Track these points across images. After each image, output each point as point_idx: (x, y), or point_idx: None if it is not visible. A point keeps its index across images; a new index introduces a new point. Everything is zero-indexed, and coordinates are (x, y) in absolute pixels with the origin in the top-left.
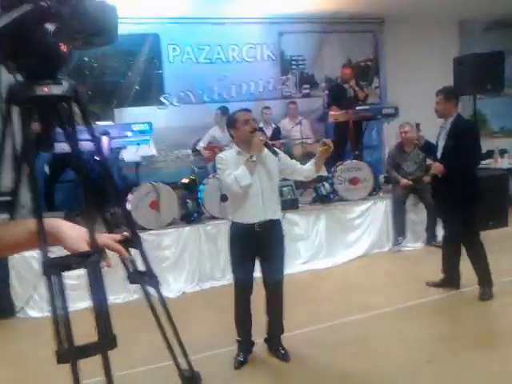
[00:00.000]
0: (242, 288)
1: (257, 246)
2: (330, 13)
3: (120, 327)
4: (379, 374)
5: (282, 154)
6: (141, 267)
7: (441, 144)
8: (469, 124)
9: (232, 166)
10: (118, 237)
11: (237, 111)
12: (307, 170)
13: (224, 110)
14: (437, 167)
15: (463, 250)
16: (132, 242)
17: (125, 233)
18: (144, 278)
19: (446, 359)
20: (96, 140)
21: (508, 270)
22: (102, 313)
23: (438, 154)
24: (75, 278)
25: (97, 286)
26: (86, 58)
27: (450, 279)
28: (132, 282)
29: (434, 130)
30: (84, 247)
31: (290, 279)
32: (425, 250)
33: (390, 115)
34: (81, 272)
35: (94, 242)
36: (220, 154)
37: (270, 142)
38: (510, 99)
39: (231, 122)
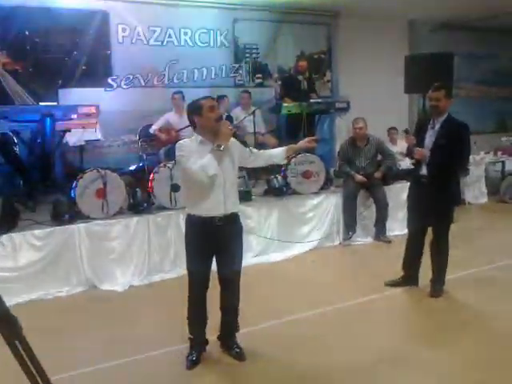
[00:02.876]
0: (199, 283)
1: (216, 239)
2: (284, 2)
3: (63, 325)
4: (336, 372)
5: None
6: None
7: (428, 142)
8: (463, 124)
9: (195, 155)
10: None
11: (200, 98)
12: (276, 156)
13: (183, 95)
14: (421, 152)
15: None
16: None
17: None
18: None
19: (399, 357)
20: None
21: (454, 267)
22: None
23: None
24: (9, 270)
25: None
26: (26, 32)
27: (410, 277)
28: None
29: (384, 127)
30: None
31: (242, 272)
32: (374, 244)
33: (342, 109)
34: (18, 263)
35: None
36: (181, 141)
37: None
38: (455, 99)
39: (195, 108)
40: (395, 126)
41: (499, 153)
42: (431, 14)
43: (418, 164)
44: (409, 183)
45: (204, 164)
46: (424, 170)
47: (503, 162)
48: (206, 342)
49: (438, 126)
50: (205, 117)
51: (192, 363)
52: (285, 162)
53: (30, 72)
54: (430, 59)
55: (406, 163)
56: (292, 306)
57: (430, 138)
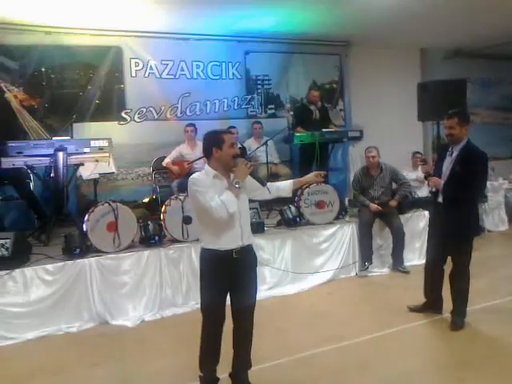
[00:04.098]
0: (214, 320)
1: (232, 272)
2: (296, 33)
3: (74, 361)
4: None
5: (268, 183)
6: None
7: (446, 169)
8: (480, 152)
9: (211, 190)
10: None
11: (222, 131)
12: (283, 190)
13: (196, 127)
14: (435, 181)
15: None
16: None
17: None
18: None
19: None
20: None
21: (475, 298)
22: None
23: (442, 178)
24: (20, 305)
25: None
26: (43, 69)
27: (434, 303)
28: None
29: (398, 155)
30: None
31: (256, 306)
32: (391, 275)
33: (355, 138)
34: (29, 298)
35: None
36: (194, 176)
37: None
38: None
39: (216, 140)
40: (420, 151)
41: None
42: (443, 41)
43: (436, 192)
44: (425, 212)
45: (224, 200)
46: (440, 199)
47: None
48: (217, 380)
49: (455, 154)
50: (224, 151)
51: None
52: (290, 195)
53: (46, 107)
54: (442, 86)
55: (422, 191)
56: (306, 341)
57: (447, 166)
